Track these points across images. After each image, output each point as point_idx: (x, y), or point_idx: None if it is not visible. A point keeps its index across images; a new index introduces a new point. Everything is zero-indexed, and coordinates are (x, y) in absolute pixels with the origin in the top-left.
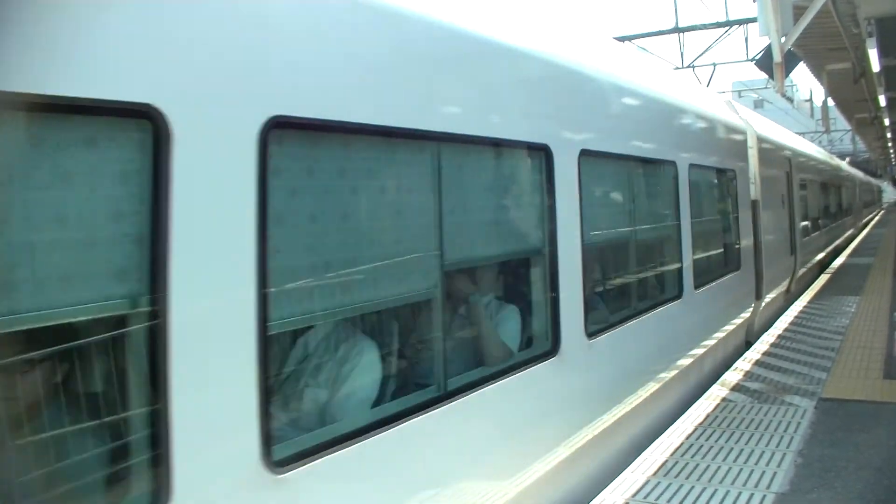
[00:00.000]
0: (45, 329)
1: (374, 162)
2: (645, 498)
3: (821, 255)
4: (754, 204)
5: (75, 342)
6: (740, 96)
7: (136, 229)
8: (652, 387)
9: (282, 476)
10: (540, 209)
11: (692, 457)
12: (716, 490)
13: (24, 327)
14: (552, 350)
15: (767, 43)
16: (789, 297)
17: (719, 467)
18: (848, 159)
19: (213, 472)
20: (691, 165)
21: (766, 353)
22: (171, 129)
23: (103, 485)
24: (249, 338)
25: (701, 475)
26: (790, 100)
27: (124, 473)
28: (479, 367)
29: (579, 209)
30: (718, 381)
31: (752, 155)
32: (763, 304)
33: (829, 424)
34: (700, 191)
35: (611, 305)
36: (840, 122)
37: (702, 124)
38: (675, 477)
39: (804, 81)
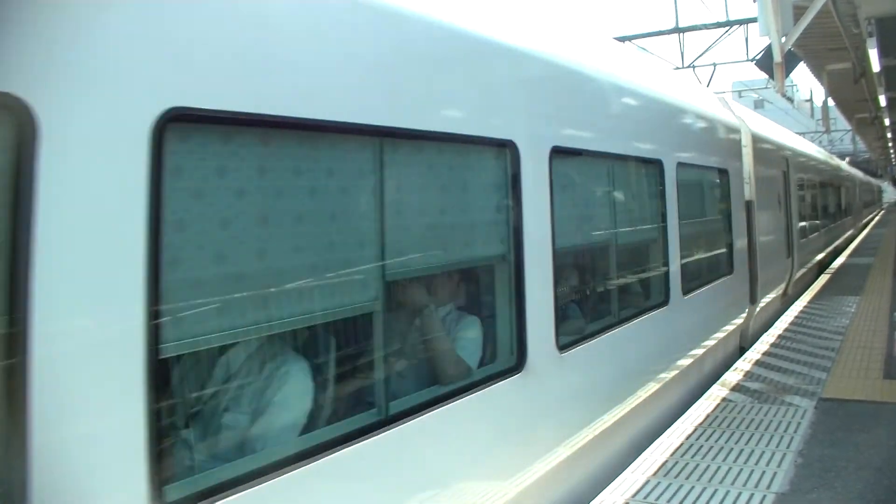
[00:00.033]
0: None
1: (302, 160)
2: (645, 498)
3: (819, 257)
4: (749, 204)
5: None
6: (740, 96)
7: None
8: (633, 401)
9: None
10: (504, 211)
11: (692, 457)
12: (716, 490)
13: None
14: (517, 365)
15: (767, 43)
16: (786, 300)
17: (719, 467)
18: (848, 159)
19: None
20: (679, 164)
21: (766, 354)
22: (36, 123)
23: None
24: (135, 363)
25: (701, 475)
26: (790, 100)
27: None
28: (431, 387)
29: (550, 211)
30: (718, 382)
31: (747, 154)
32: (758, 308)
33: (829, 424)
34: (689, 191)
35: (588, 315)
36: (840, 122)
37: (691, 121)
38: (675, 477)
39: (804, 81)
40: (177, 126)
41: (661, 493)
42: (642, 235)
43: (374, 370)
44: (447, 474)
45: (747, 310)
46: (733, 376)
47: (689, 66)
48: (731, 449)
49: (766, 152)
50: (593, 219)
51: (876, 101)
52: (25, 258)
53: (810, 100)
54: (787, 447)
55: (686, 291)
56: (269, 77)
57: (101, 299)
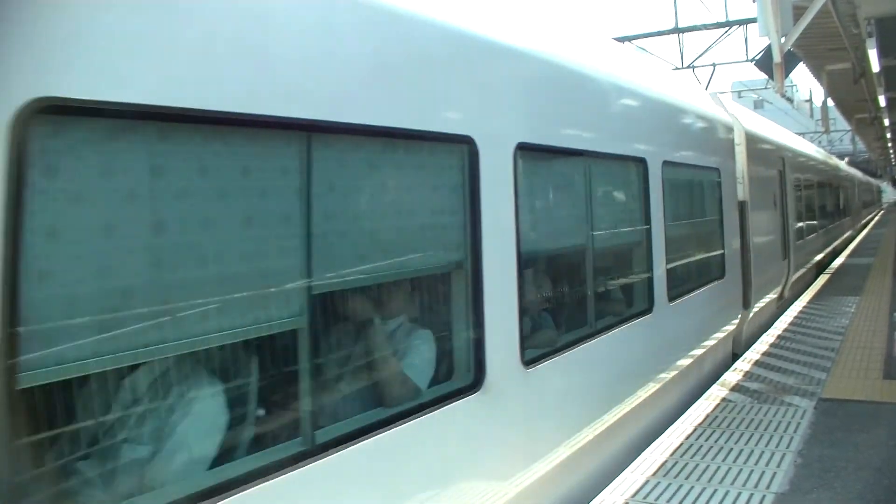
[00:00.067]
0: None
1: (209, 157)
2: (645, 498)
3: (817, 259)
4: (742, 205)
5: None
6: (740, 96)
7: None
8: (610, 419)
9: None
10: (460, 214)
11: (692, 457)
12: (716, 490)
13: None
14: (474, 383)
15: (767, 43)
16: (783, 304)
17: (719, 467)
18: (847, 159)
19: None
20: (665, 163)
21: (765, 354)
22: None
23: None
24: None
25: (701, 475)
26: (790, 100)
27: None
28: (372, 411)
29: (515, 214)
30: (718, 382)
31: (740, 152)
32: (752, 313)
33: (829, 424)
34: (677, 191)
35: (561, 325)
36: (840, 122)
37: (679, 118)
38: (675, 477)
39: (804, 82)
40: (46, 118)
41: (661, 493)
42: (623, 238)
43: (298, 394)
44: None
45: (740, 315)
46: (733, 376)
47: (688, 67)
48: (731, 449)
49: (761, 151)
50: (567, 221)
51: (875, 101)
52: None
53: (810, 100)
54: (787, 447)
55: (672, 298)
56: (164, 67)
57: None
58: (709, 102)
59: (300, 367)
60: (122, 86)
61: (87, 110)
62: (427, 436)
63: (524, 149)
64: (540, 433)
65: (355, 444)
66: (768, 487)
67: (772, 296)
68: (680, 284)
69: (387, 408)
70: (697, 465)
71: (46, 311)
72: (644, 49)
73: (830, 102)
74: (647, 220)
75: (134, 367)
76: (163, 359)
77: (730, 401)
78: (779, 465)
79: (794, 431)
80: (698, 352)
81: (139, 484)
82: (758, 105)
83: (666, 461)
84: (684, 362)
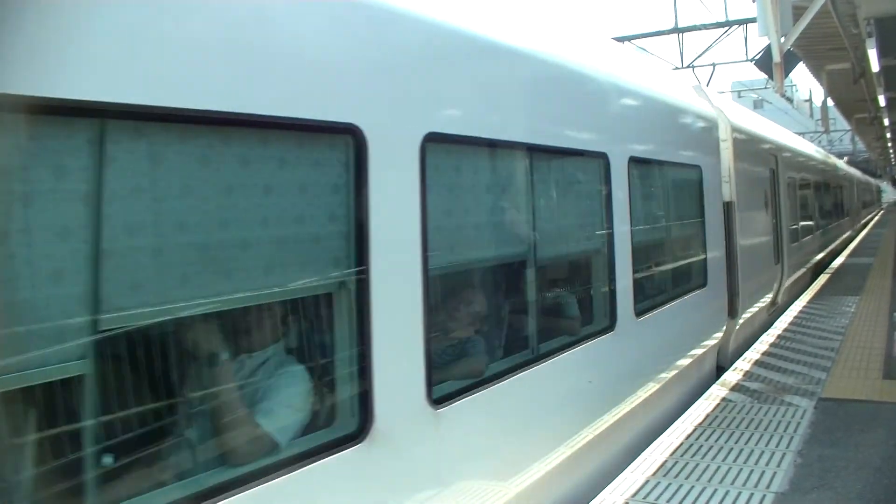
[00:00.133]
0: None
1: None
2: (645, 498)
3: (813, 261)
4: (728, 206)
5: None
6: (740, 96)
7: None
8: (558, 458)
9: None
10: (343, 220)
11: (692, 457)
12: (716, 490)
13: None
14: (359, 431)
15: (767, 43)
16: (776, 310)
17: (719, 467)
18: (846, 158)
19: None
20: (633, 159)
21: (765, 353)
22: None
23: None
24: None
25: (701, 475)
26: (790, 100)
27: None
28: (204, 473)
29: (421, 220)
30: (718, 381)
31: (726, 149)
32: (739, 322)
33: (829, 424)
34: (648, 191)
35: (490, 352)
36: (840, 122)
37: (652, 110)
38: (675, 477)
39: (804, 81)
40: None
41: (661, 493)
42: (576, 246)
43: (82, 457)
44: None
45: (725, 326)
46: (733, 376)
47: (688, 67)
48: (731, 449)
49: (750, 148)
50: (501, 227)
51: (875, 101)
52: None
53: (809, 100)
54: (787, 447)
55: (641, 312)
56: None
57: None
58: (689, 94)
59: (86, 420)
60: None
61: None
62: (293, 501)
63: (434, 141)
64: (454, 494)
65: None
66: (768, 487)
67: (763, 303)
68: (651, 296)
69: (231, 467)
70: (697, 465)
71: None
72: (644, 49)
73: (830, 102)
74: (609, 224)
75: None
76: None
77: (730, 400)
78: (779, 465)
79: (794, 431)
80: (674, 371)
81: None
82: (757, 105)
83: (666, 461)
84: (656, 384)
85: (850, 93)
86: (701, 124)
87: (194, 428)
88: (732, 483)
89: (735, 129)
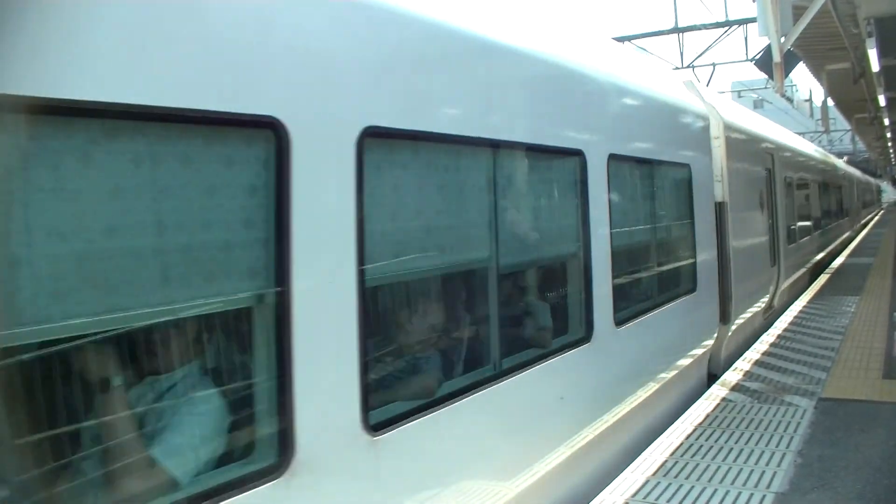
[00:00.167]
0: None
1: None
2: (645, 498)
3: (812, 263)
4: (720, 206)
5: None
6: (740, 96)
7: None
8: (525, 481)
9: None
10: (261, 229)
11: (692, 457)
12: (716, 490)
13: None
14: (277, 465)
15: (767, 43)
16: (772, 314)
17: (719, 467)
18: (846, 158)
19: None
20: (613, 157)
21: (766, 353)
22: None
23: None
24: None
25: (701, 475)
26: (790, 100)
27: None
28: None
29: (357, 226)
30: (718, 382)
31: (718, 147)
32: (732, 328)
33: (829, 424)
34: (631, 191)
35: (445, 369)
36: (840, 122)
37: (635, 105)
38: (675, 477)
39: (804, 81)
40: None
41: (661, 493)
42: (547, 250)
43: None
44: None
45: (717, 332)
46: (733, 376)
47: (688, 66)
48: (731, 449)
49: (745, 146)
50: (456, 231)
51: (875, 101)
52: None
53: (810, 100)
54: (787, 447)
55: (621, 320)
56: None
57: None
58: (679, 90)
59: None
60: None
61: None
62: None
63: (373, 136)
64: None
65: None
66: (768, 487)
67: (758, 307)
68: (633, 303)
69: None
70: (697, 465)
71: None
72: (644, 49)
73: (830, 102)
74: (585, 227)
75: None
76: None
77: (730, 400)
78: (779, 465)
79: (794, 431)
80: (659, 383)
81: None
82: (757, 105)
83: (666, 461)
84: (638, 397)
85: (850, 93)
86: (691, 121)
87: (79, 465)
88: (732, 483)
89: (728, 127)
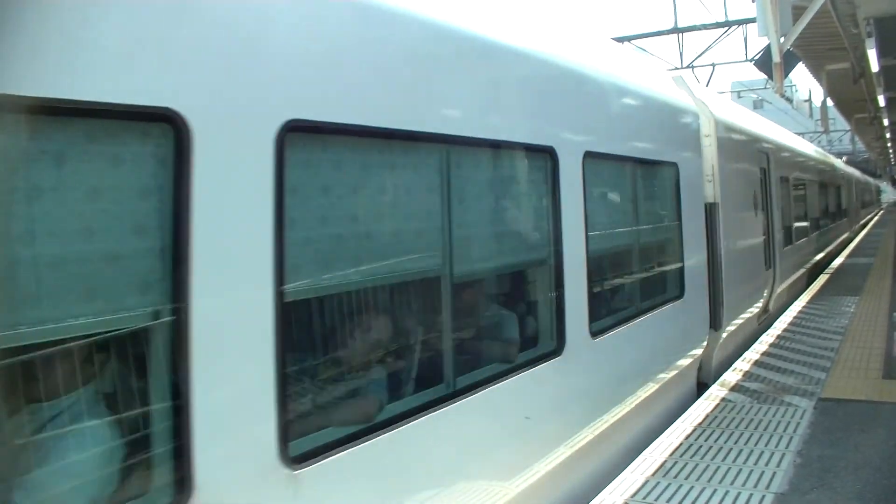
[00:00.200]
0: None
1: None
2: (644, 498)
3: (809, 265)
4: (711, 208)
5: None
6: (739, 96)
7: None
8: None
9: None
10: (155, 237)
11: (692, 457)
12: (715, 490)
13: None
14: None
15: (766, 43)
16: (768, 318)
17: (719, 467)
18: (845, 158)
19: None
20: (590, 155)
21: (765, 353)
22: None
23: None
24: None
25: (700, 475)
26: (789, 100)
27: None
28: None
29: (275, 232)
30: (718, 382)
31: (709, 145)
32: (724, 334)
33: (829, 424)
34: (610, 191)
35: (392, 388)
36: (839, 122)
37: (615, 99)
38: (675, 477)
39: (803, 81)
40: None
41: (661, 493)
42: (510, 257)
43: None
44: None
45: (707, 339)
46: (733, 376)
47: (687, 67)
48: (731, 449)
49: (738, 144)
50: (401, 237)
51: (875, 101)
52: None
53: (809, 100)
54: (787, 447)
55: (598, 331)
56: None
57: None
58: (666, 84)
59: None
60: None
61: None
62: None
63: (303, 130)
64: None
65: None
66: (768, 487)
67: (752, 311)
68: (612, 312)
69: None
70: (697, 465)
71: None
72: (644, 49)
73: (830, 102)
74: (556, 229)
75: None
76: None
77: (730, 401)
78: (778, 465)
79: (794, 431)
80: (640, 397)
81: None
82: (757, 105)
83: (666, 461)
84: (616, 414)
85: (850, 93)
86: (679, 118)
87: None
88: (732, 483)
89: (720, 125)
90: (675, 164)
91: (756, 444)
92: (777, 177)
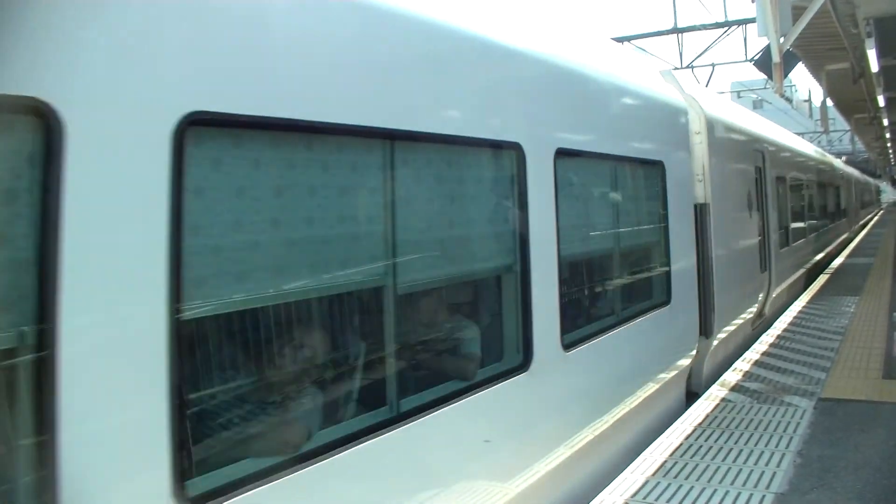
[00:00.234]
0: None
1: None
2: (645, 498)
3: (807, 267)
4: (702, 209)
5: None
6: (739, 96)
7: None
8: None
9: None
10: (19, 245)
11: (692, 457)
12: (715, 490)
13: None
14: None
15: (766, 43)
16: (763, 322)
17: (719, 467)
18: (844, 158)
19: None
20: (562, 152)
21: (765, 354)
22: None
23: None
24: None
25: (701, 475)
26: (789, 100)
27: None
28: None
29: (171, 239)
30: (718, 382)
31: (700, 143)
32: (715, 342)
33: (829, 424)
34: (586, 192)
35: (314, 416)
36: (839, 122)
37: (593, 93)
38: (675, 477)
39: (803, 82)
40: None
41: (661, 493)
42: (466, 263)
43: None
44: None
45: (696, 347)
46: (732, 376)
47: (687, 67)
48: (731, 449)
49: (730, 143)
50: (333, 245)
51: (875, 101)
52: None
53: (809, 100)
54: (787, 447)
55: (572, 343)
56: None
57: None
58: (652, 78)
59: None
60: None
61: None
62: None
63: (209, 124)
64: None
65: None
66: (768, 487)
67: (746, 316)
68: (588, 322)
69: None
70: (697, 465)
71: None
72: (643, 49)
73: (829, 102)
74: (523, 233)
75: None
76: None
77: (730, 401)
78: (778, 465)
79: (794, 431)
80: (620, 412)
81: None
82: (757, 105)
83: (666, 461)
84: (592, 432)
85: (850, 93)
86: (666, 114)
87: None
88: (732, 483)
89: (711, 121)
90: (660, 163)
91: (756, 445)
92: (773, 176)
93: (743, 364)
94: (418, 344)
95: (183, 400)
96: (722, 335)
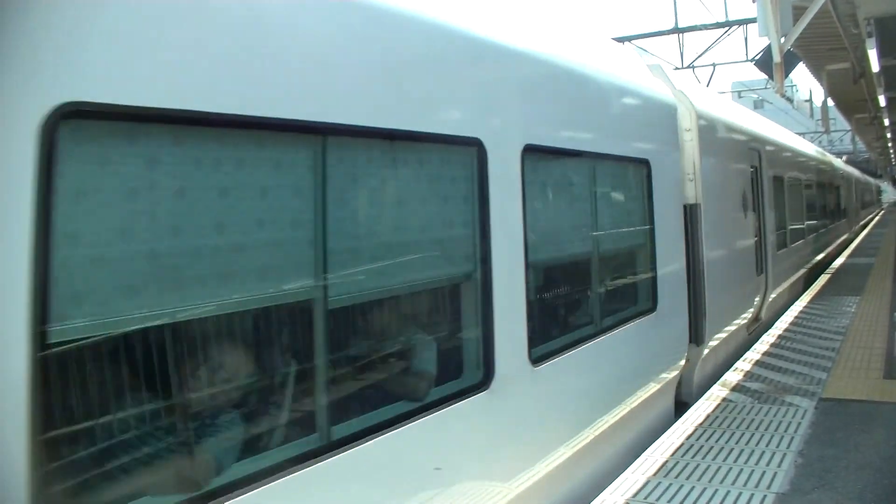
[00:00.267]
0: None
1: None
2: (645, 498)
3: (806, 268)
4: (692, 209)
5: None
6: (740, 96)
7: None
8: None
9: None
10: None
11: (692, 457)
12: (716, 490)
13: None
14: None
15: (767, 43)
16: (759, 327)
17: (719, 467)
18: (845, 157)
19: None
20: (530, 149)
21: (766, 353)
22: None
23: None
24: None
25: (701, 475)
26: (790, 100)
27: None
28: None
29: (36, 256)
30: (719, 382)
31: (690, 140)
32: (707, 349)
33: (830, 424)
34: (559, 192)
35: (233, 448)
36: (840, 122)
37: (568, 86)
38: (676, 477)
39: (804, 81)
40: None
41: (662, 493)
42: (414, 271)
43: None
44: None
45: (687, 355)
46: (733, 376)
47: (688, 67)
48: (731, 449)
49: (724, 140)
50: (250, 253)
51: (875, 101)
52: None
53: (810, 100)
54: (788, 447)
55: (542, 356)
56: None
57: None
58: (639, 72)
59: None
60: None
61: None
62: None
63: (88, 116)
64: None
65: None
66: (769, 487)
67: (740, 322)
68: (561, 333)
69: None
70: (698, 465)
71: None
72: (644, 49)
73: (830, 102)
74: (483, 237)
75: None
76: None
77: (730, 401)
78: (779, 465)
79: (795, 431)
80: (597, 429)
81: None
82: (757, 105)
83: (666, 461)
84: (562, 454)
85: (850, 93)
86: (652, 109)
87: None
88: (733, 483)
89: (703, 118)
90: (645, 161)
91: (757, 444)
92: (770, 176)
93: (743, 364)
94: (355, 362)
95: (44, 439)
96: (714, 342)
